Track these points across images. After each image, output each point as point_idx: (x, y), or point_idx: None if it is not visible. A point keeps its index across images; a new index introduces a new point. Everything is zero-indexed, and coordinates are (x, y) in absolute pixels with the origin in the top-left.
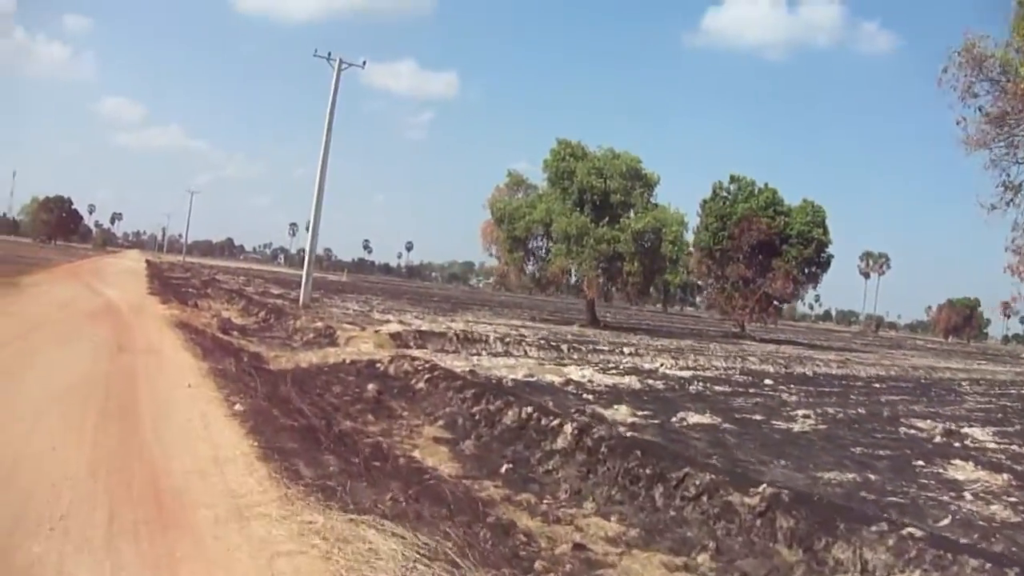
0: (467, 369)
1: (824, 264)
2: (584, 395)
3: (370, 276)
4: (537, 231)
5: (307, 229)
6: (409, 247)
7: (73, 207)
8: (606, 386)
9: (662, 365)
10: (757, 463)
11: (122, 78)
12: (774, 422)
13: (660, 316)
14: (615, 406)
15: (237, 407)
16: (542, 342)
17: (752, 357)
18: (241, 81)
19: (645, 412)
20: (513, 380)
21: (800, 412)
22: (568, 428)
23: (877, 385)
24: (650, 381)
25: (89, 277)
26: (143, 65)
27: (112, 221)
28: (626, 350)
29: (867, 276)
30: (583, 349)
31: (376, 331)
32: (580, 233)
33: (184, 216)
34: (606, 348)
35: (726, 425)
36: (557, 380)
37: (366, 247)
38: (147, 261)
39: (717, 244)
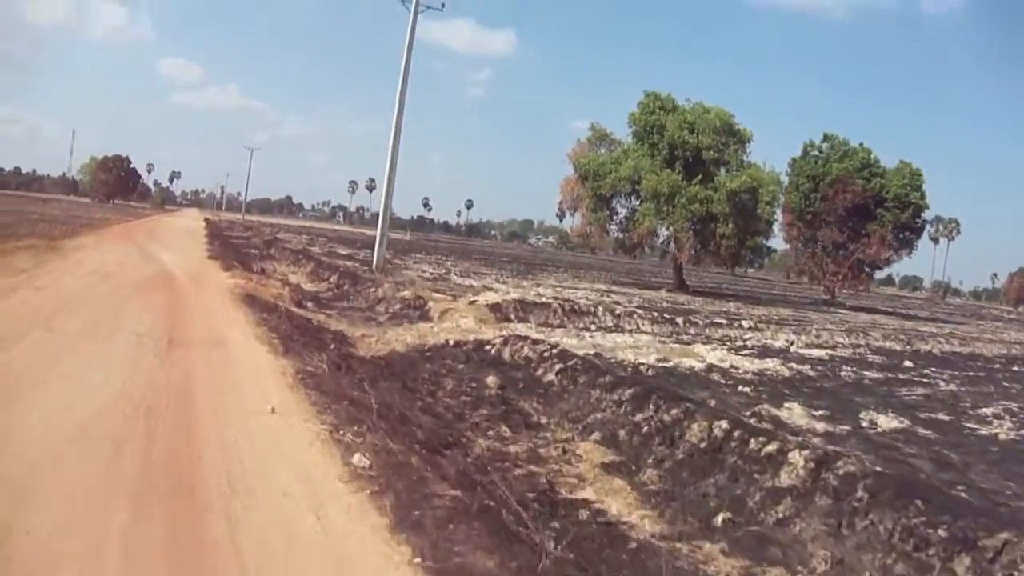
0: (590, 352)
1: (919, 230)
2: (740, 387)
3: (430, 234)
4: (623, 189)
5: (367, 187)
6: (469, 205)
7: (132, 166)
8: (753, 373)
9: (790, 343)
10: (1014, 497)
11: (179, 39)
12: (966, 424)
13: (734, 280)
14: (785, 405)
15: (355, 458)
16: (653, 315)
17: (873, 332)
18: (297, 40)
19: (821, 413)
20: (649, 366)
21: (988, 411)
22: (798, 458)
23: (1016, 368)
24: (794, 365)
25: (143, 238)
26: (199, 26)
27: (171, 180)
28: (744, 323)
29: (936, 241)
30: (698, 323)
31: (471, 302)
32: (671, 192)
33: (243, 174)
34: (722, 321)
35: (920, 431)
36: (696, 365)
37: (426, 205)
38: (206, 219)
39: (809, 206)
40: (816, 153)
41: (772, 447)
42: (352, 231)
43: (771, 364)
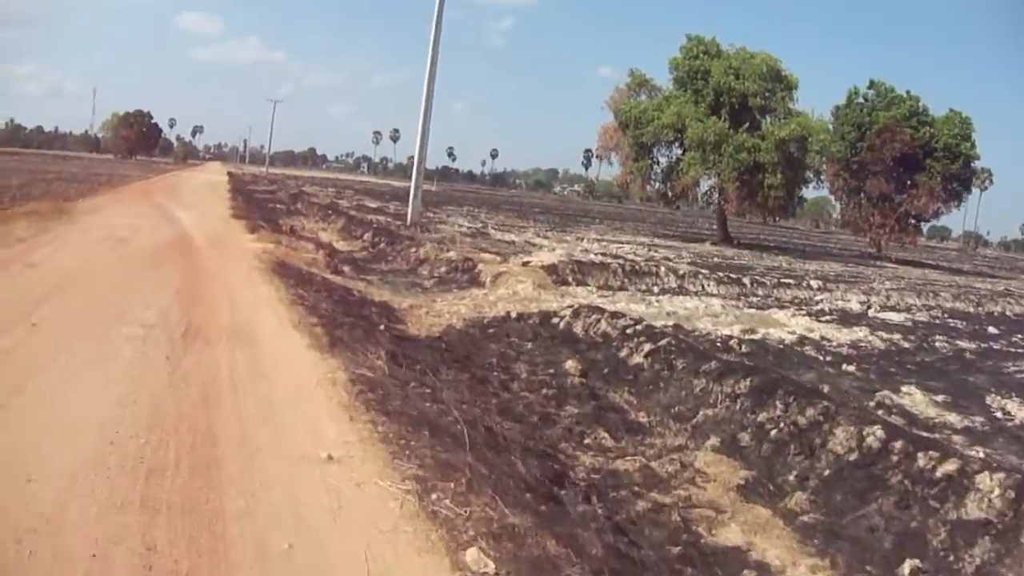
0: (668, 324)
1: (967, 181)
2: (843, 365)
3: (455, 184)
4: (666, 137)
5: (391, 138)
6: (494, 155)
7: (153, 121)
8: (848, 346)
9: (865, 306)
10: None
11: None
12: None
13: (770, 230)
14: (902, 389)
15: (470, 556)
16: (719, 275)
17: (940, 292)
18: None
19: (943, 399)
20: (737, 340)
21: None
22: (989, 482)
23: None
24: (882, 334)
25: (163, 196)
26: None
27: (193, 135)
28: (813, 283)
29: (969, 192)
30: (765, 283)
31: (524, 263)
32: (718, 140)
33: (266, 127)
34: (789, 281)
35: None
36: (786, 337)
37: (450, 155)
38: (229, 173)
39: (854, 155)
40: (861, 101)
41: (950, 466)
42: (378, 182)
43: (860, 333)
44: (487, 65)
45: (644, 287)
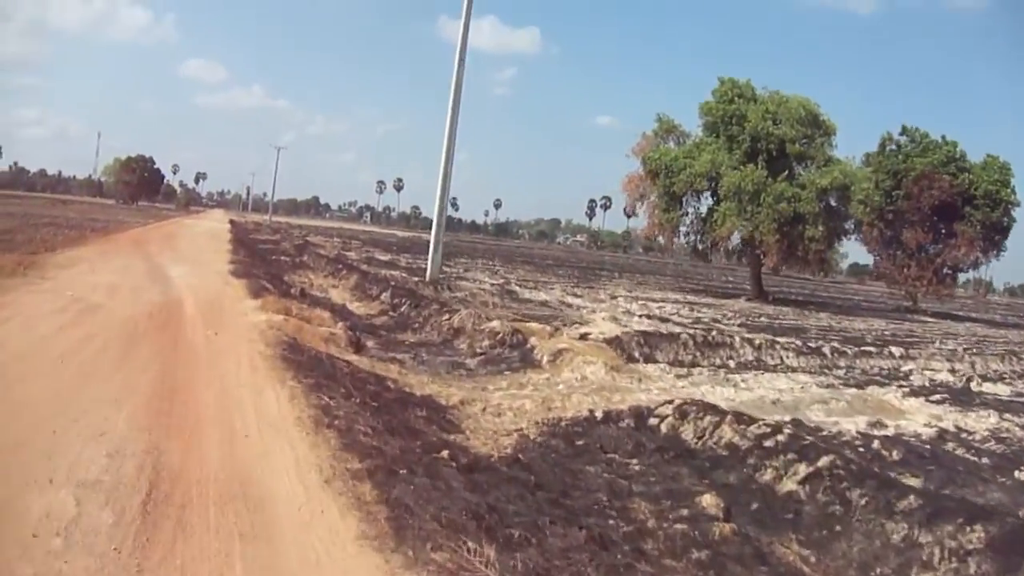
0: (784, 418)
1: (1007, 229)
2: (1015, 472)
3: (459, 234)
4: (699, 186)
5: (395, 187)
6: (497, 205)
7: (155, 166)
8: (992, 438)
9: (964, 378)
10: None
11: (203, 40)
12: None
13: (795, 283)
14: None
15: None
16: (790, 343)
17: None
18: (320, 40)
19: None
20: (875, 440)
21: None
22: None
23: None
24: (1012, 417)
25: (158, 245)
26: (222, 27)
27: (196, 181)
28: (894, 351)
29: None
30: (845, 351)
31: (582, 335)
32: (756, 190)
33: (268, 175)
34: (870, 349)
35: None
36: (920, 430)
37: (454, 204)
38: (231, 221)
39: (890, 204)
40: (894, 147)
41: None
42: (383, 232)
43: (991, 420)
44: (489, 115)
45: (719, 361)
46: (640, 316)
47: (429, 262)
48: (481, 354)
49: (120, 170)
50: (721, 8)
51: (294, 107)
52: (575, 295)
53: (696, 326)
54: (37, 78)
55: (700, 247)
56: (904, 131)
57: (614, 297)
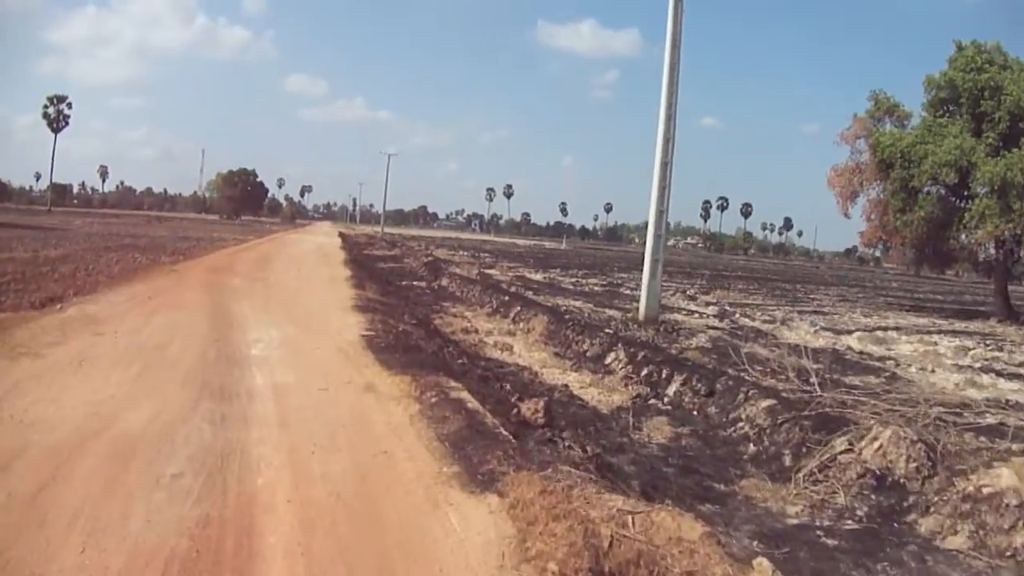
0: None
1: None
2: None
3: (576, 242)
4: (946, 179)
5: (505, 194)
6: (608, 209)
7: (258, 179)
8: None
9: None
10: None
11: (302, 55)
12: None
13: (976, 289)
14: None
15: None
16: None
17: None
18: (419, 50)
19: None
20: None
21: None
22: None
23: None
24: None
25: (244, 278)
26: (322, 42)
27: (301, 194)
28: None
29: None
30: None
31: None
32: None
33: (373, 185)
34: None
35: None
36: None
37: (563, 210)
38: (340, 234)
39: None
40: None
41: None
42: (501, 241)
43: None
44: (593, 118)
45: None
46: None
47: (644, 295)
48: (854, 514)
49: (222, 184)
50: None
51: (396, 118)
52: (832, 329)
53: None
54: (142, 99)
55: (939, 254)
56: None
57: (880, 330)
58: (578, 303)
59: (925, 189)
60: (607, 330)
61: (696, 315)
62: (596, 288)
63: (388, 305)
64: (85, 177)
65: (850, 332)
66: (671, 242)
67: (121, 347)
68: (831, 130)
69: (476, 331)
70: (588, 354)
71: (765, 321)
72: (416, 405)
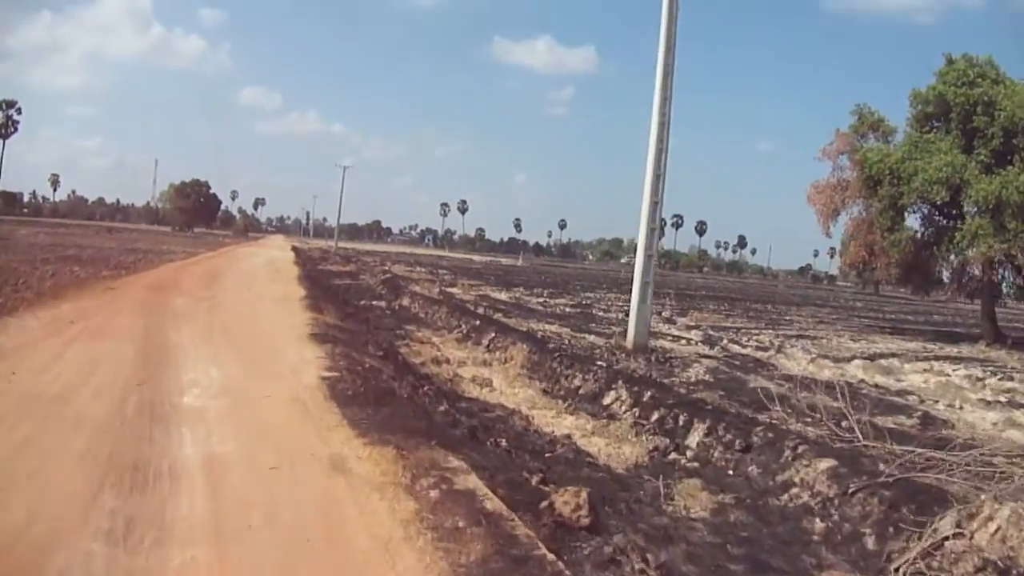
0: None
1: None
2: None
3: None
4: (935, 197)
5: (459, 209)
6: (563, 225)
7: (211, 191)
8: None
9: None
10: None
11: (258, 68)
12: None
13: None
14: None
15: None
16: None
17: None
18: (374, 64)
19: None
20: None
21: None
22: None
23: None
24: None
25: (189, 297)
26: (277, 54)
27: (255, 207)
28: None
29: None
30: None
31: None
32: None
33: (327, 198)
34: None
35: None
36: None
37: (517, 227)
38: (294, 248)
39: None
40: None
41: None
42: (457, 256)
43: None
44: (548, 134)
45: None
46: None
47: (632, 320)
48: None
49: (174, 196)
50: (773, 16)
51: (350, 131)
52: (829, 357)
53: None
54: (95, 108)
55: (925, 274)
56: None
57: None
58: (553, 327)
59: (912, 207)
60: (599, 362)
61: (682, 341)
62: (567, 310)
63: (348, 332)
64: (37, 186)
65: (849, 360)
66: (623, 259)
67: (14, 396)
68: (785, 148)
69: (448, 361)
70: (582, 391)
71: (756, 348)
72: (410, 501)
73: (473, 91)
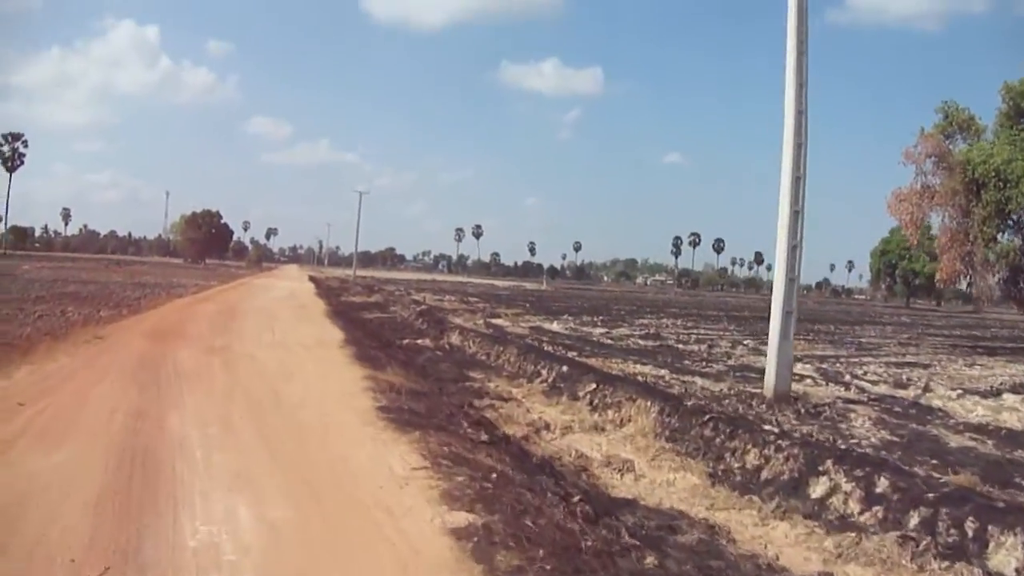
0: None
1: None
2: None
3: (538, 280)
4: None
5: (474, 234)
6: (577, 248)
7: (223, 221)
8: None
9: None
10: None
11: (267, 98)
12: None
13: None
14: None
15: None
16: None
17: None
18: (383, 92)
19: None
20: None
21: None
22: None
23: None
24: None
25: (195, 348)
26: (286, 85)
27: (267, 237)
28: None
29: None
30: None
31: None
32: None
33: (340, 228)
34: None
35: None
36: None
37: (531, 250)
38: (311, 279)
39: None
40: None
41: None
42: (479, 282)
43: None
44: (558, 156)
45: None
46: None
47: (773, 362)
48: None
49: (185, 227)
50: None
51: (362, 160)
52: (971, 391)
53: None
54: (105, 142)
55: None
56: None
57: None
58: (646, 367)
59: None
60: (766, 426)
61: (797, 378)
62: (640, 343)
63: (421, 396)
64: (49, 220)
65: (996, 394)
66: (639, 280)
67: None
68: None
69: (547, 426)
70: (765, 476)
71: (895, 384)
72: None
73: (482, 115)
